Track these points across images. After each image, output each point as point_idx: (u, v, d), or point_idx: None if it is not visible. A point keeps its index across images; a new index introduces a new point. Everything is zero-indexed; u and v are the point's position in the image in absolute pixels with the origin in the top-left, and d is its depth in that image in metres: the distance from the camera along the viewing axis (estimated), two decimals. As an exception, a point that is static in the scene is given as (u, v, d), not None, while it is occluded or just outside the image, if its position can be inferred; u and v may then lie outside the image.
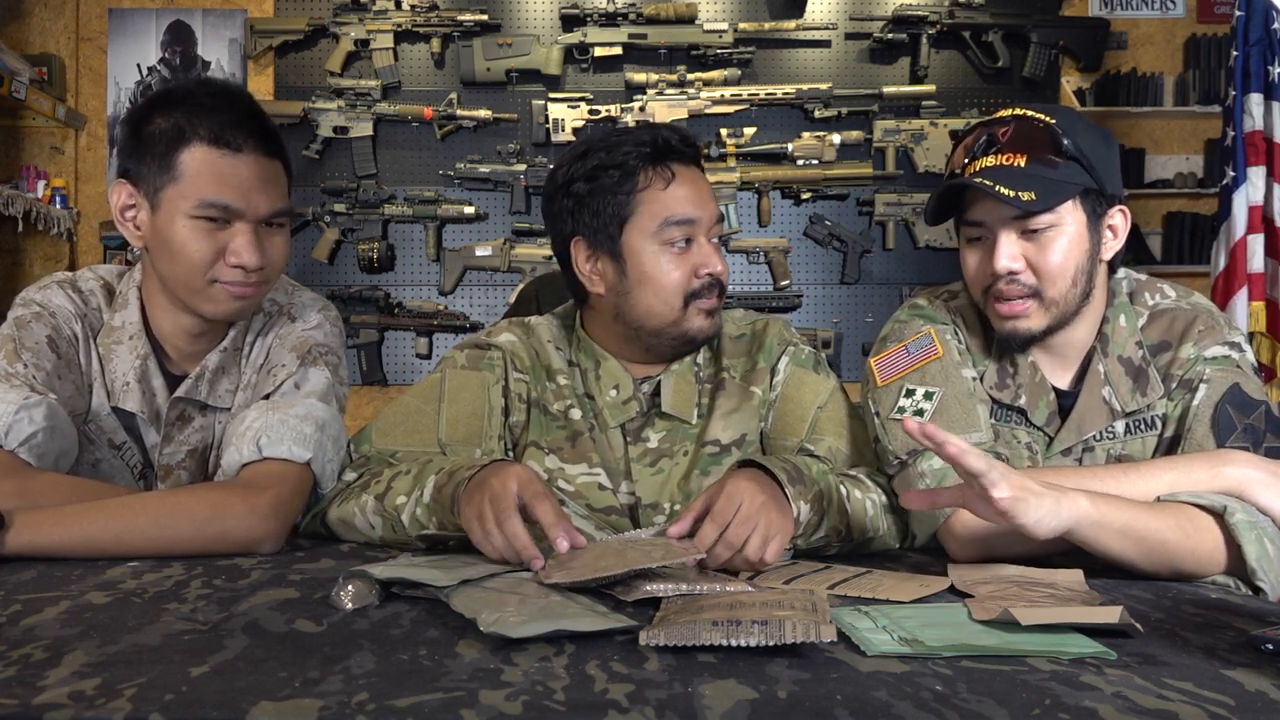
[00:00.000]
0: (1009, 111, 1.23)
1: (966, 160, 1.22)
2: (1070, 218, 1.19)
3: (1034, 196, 1.15)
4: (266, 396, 1.27)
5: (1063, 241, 1.19)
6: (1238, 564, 1.08)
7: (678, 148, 1.33)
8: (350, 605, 0.87)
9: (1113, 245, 1.25)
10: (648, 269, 1.31)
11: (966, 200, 1.24)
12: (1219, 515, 1.08)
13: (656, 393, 1.37)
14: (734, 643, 0.74)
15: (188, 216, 1.19)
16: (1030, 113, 1.21)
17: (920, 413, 1.25)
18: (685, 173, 1.33)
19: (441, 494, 1.11)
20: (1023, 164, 1.17)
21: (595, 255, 1.35)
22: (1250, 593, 1.10)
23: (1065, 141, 1.18)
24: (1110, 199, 1.23)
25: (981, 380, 1.29)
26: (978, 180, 1.18)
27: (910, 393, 1.27)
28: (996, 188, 1.16)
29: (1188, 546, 1.07)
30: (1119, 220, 1.25)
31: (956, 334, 1.32)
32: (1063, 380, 1.28)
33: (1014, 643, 0.79)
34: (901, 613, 0.88)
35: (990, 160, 1.20)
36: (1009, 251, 1.20)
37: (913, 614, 0.88)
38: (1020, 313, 1.21)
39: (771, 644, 0.73)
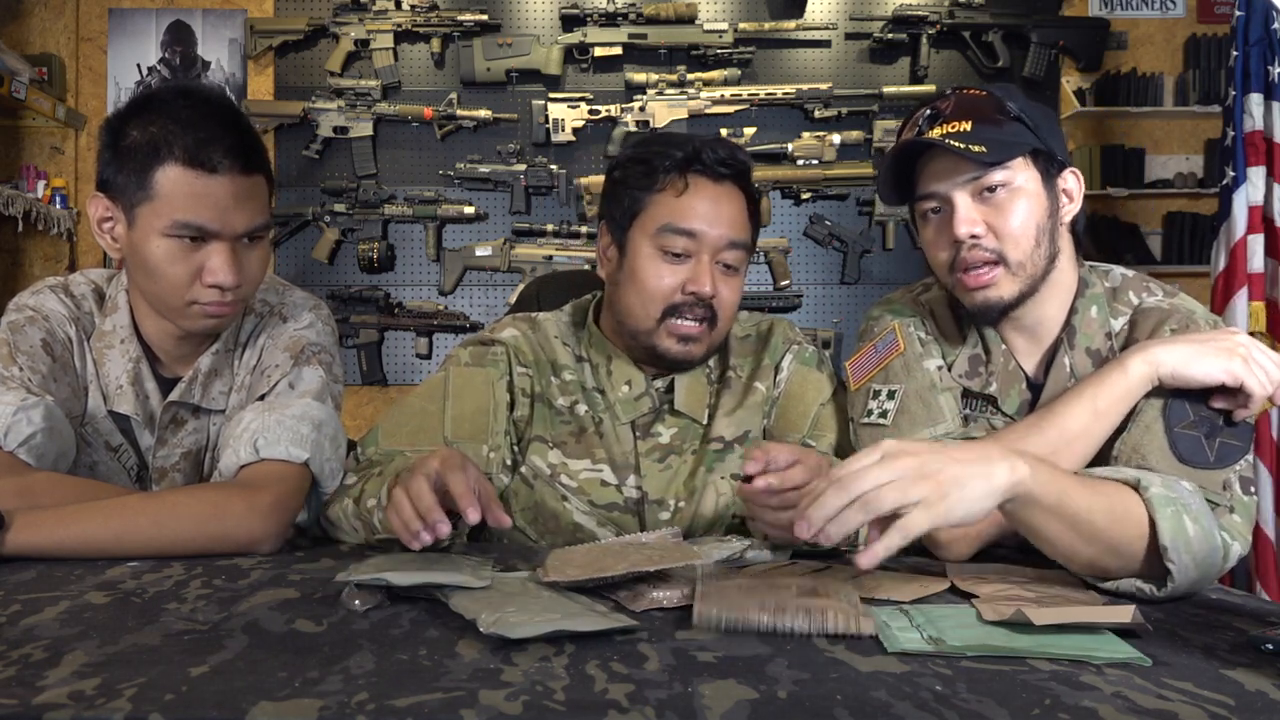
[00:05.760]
0: (949, 89, 1.24)
1: (913, 137, 1.22)
2: (1024, 177, 1.18)
3: (985, 150, 1.14)
4: (261, 397, 1.27)
5: (1021, 202, 1.18)
6: (1155, 553, 0.97)
7: (707, 161, 1.32)
8: (360, 606, 0.87)
9: (1070, 209, 1.23)
10: (638, 268, 1.32)
11: (918, 177, 1.23)
12: (1134, 488, 0.99)
13: (669, 390, 1.38)
14: (780, 625, 0.78)
15: (162, 235, 1.17)
16: (969, 87, 1.22)
17: (884, 414, 1.26)
18: (707, 187, 1.32)
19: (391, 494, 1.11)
20: (968, 128, 1.17)
21: (610, 241, 1.38)
22: (1154, 590, 0.98)
23: (1008, 104, 1.18)
24: (1061, 163, 1.22)
25: (950, 369, 1.29)
26: (927, 138, 1.18)
27: (876, 394, 1.28)
28: (947, 141, 1.15)
29: (1115, 531, 0.96)
30: (1072, 183, 1.23)
31: (923, 324, 1.32)
32: (1031, 365, 1.27)
33: (1042, 644, 0.78)
34: (939, 612, 0.87)
35: (936, 131, 1.18)
36: (967, 215, 1.17)
37: (947, 613, 0.87)
38: (988, 281, 1.19)
39: (815, 631, 0.77)
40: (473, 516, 0.94)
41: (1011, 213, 1.17)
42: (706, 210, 1.30)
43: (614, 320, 1.38)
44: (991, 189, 1.17)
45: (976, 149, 1.14)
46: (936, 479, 0.83)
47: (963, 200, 1.18)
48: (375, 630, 0.81)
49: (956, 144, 1.14)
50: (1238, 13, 2.94)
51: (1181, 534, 0.97)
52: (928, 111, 1.22)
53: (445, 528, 0.96)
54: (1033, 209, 1.18)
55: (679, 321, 1.30)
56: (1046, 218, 1.19)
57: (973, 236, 1.18)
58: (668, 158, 1.32)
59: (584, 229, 3.75)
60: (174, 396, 1.30)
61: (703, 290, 1.29)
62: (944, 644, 0.78)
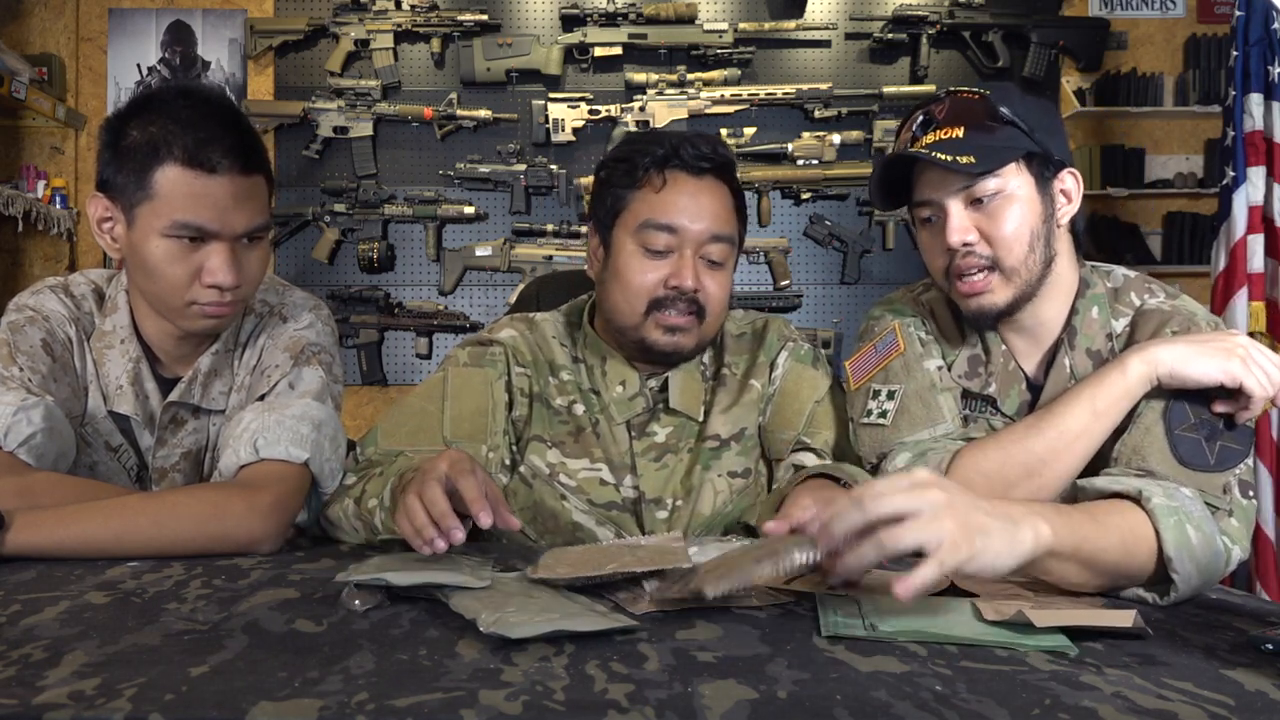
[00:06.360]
0: (944, 91, 1.24)
1: (908, 143, 1.22)
2: (1016, 183, 1.18)
3: (973, 160, 1.14)
4: (261, 398, 1.27)
5: (1014, 209, 1.17)
6: (1159, 562, 0.99)
7: (686, 157, 1.32)
8: (360, 607, 0.87)
9: (1068, 210, 1.23)
10: (621, 265, 1.33)
11: (914, 183, 1.23)
12: (1135, 500, 1.01)
13: (663, 389, 1.38)
14: (783, 567, 0.83)
15: (162, 235, 1.17)
16: (964, 90, 1.22)
17: (884, 414, 1.26)
18: (686, 182, 1.32)
19: (395, 496, 1.09)
20: (960, 134, 1.16)
21: (597, 240, 1.39)
22: (1155, 598, 0.99)
23: (1001, 109, 1.18)
24: (1058, 164, 1.21)
25: (950, 369, 1.29)
26: (912, 150, 1.18)
27: (876, 394, 1.28)
28: (933, 154, 1.16)
29: (1126, 562, 0.98)
30: (1070, 183, 1.23)
31: (924, 324, 1.32)
32: (1031, 365, 1.27)
33: (978, 633, 0.80)
34: (888, 602, 0.87)
35: (930, 138, 1.19)
36: (959, 224, 1.18)
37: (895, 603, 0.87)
38: (982, 288, 1.19)
39: (814, 561, 0.83)
40: (485, 520, 0.94)
41: (1004, 219, 1.17)
42: (686, 205, 1.31)
43: (604, 319, 1.39)
44: (983, 197, 1.18)
45: (965, 160, 1.14)
46: (963, 520, 0.81)
47: (955, 208, 1.19)
48: (375, 630, 0.81)
49: (944, 156, 1.15)
50: (1238, 13, 2.94)
51: (1185, 543, 0.98)
52: (921, 117, 1.22)
53: (460, 534, 0.95)
54: (1026, 214, 1.18)
55: (665, 313, 1.30)
56: (1041, 222, 1.19)
57: (965, 244, 1.18)
58: (647, 154, 1.33)
59: (584, 229, 3.75)
60: (174, 397, 1.30)
61: (685, 284, 1.29)
62: (878, 630, 0.79)
